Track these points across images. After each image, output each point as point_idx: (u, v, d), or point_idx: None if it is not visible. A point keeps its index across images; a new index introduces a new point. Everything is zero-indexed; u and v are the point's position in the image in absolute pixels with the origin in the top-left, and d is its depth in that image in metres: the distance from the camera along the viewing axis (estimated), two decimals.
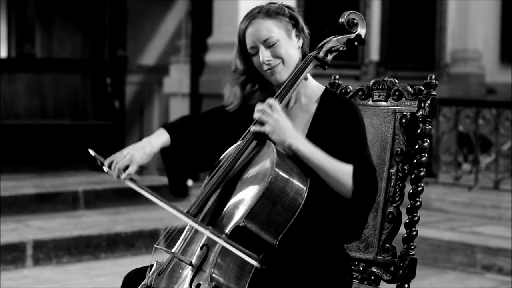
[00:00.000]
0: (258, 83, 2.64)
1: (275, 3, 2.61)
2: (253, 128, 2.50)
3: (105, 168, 2.62)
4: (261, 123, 2.49)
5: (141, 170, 8.95)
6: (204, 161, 2.70)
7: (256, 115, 2.49)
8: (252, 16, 2.57)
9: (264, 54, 2.55)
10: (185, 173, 2.73)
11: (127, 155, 2.59)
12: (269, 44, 2.55)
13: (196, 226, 2.41)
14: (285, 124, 2.46)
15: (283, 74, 2.57)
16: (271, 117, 2.46)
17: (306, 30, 2.62)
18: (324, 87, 2.65)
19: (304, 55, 2.63)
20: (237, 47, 2.61)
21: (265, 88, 2.65)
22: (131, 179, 2.57)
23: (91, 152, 2.63)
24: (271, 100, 2.50)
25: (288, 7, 2.62)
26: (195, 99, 8.36)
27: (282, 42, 2.55)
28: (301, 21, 2.61)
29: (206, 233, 2.38)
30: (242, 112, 2.65)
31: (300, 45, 2.61)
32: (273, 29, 2.55)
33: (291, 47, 2.57)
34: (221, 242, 2.35)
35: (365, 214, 2.49)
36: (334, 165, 2.45)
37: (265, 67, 2.57)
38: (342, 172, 2.45)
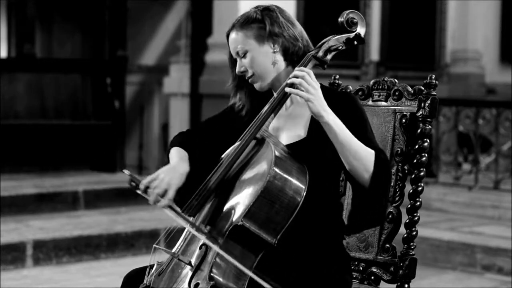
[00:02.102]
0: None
1: (257, 7, 2.62)
2: (290, 89, 2.47)
3: (140, 191, 2.51)
4: (293, 86, 2.47)
5: (141, 170, 8.95)
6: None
7: (296, 80, 2.46)
8: (230, 28, 2.64)
9: (238, 65, 2.63)
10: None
11: (164, 179, 2.51)
12: (241, 55, 2.61)
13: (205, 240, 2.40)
14: (321, 95, 2.46)
15: (261, 83, 2.61)
16: (311, 85, 2.45)
17: (286, 29, 2.59)
18: (318, 84, 2.65)
19: (286, 51, 2.60)
20: (228, 49, 2.68)
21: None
22: (170, 207, 2.48)
23: (126, 172, 2.51)
24: (306, 69, 2.49)
25: (266, 10, 2.61)
26: (195, 99, 8.36)
27: (252, 51, 2.59)
28: (273, 25, 2.58)
29: (214, 247, 2.38)
30: (239, 114, 2.68)
31: (278, 48, 2.59)
32: (242, 40, 2.59)
33: (262, 56, 2.59)
34: (217, 249, 2.36)
35: (385, 196, 2.53)
36: (357, 144, 2.45)
37: (242, 75, 2.62)
38: (365, 151, 2.45)
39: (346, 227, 2.65)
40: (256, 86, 2.63)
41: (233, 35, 2.62)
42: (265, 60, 2.59)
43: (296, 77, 2.47)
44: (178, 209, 2.51)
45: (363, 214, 2.54)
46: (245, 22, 2.60)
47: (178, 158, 2.62)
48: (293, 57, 2.62)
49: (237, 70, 2.62)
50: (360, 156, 2.44)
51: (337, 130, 2.44)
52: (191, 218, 2.52)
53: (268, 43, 2.59)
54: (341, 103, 2.55)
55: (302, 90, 2.45)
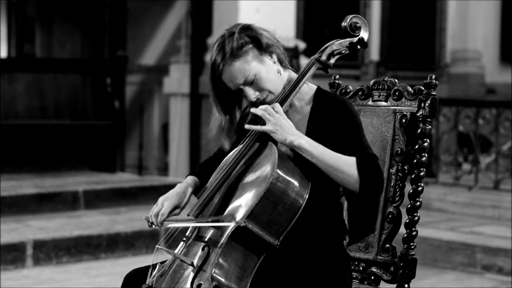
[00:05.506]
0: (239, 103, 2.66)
1: (233, 32, 2.57)
2: (255, 127, 2.51)
3: (153, 226, 2.63)
4: (263, 123, 2.49)
5: (141, 170, 8.95)
6: None
7: (258, 112, 2.49)
8: (221, 61, 2.54)
9: (250, 93, 2.56)
10: None
11: (159, 201, 2.63)
12: (249, 82, 2.55)
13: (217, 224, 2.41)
14: (286, 122, 2.47)
15: (273, 97, 2.59)
16: (272, 116, 2.47)
17: (272, 39, 2.59)
18: (316, 87, 2.66)
19: (281, 62, 2.61)
20: (212, 88, 2.59)
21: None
22: (168, 219, 2.60)
23: (144, 218, 2.65)
24: (274, 103, 2.51)
25: (245, 30, 2.58)
26: (195, 99, 8.36)
27: (259, 73, 2.55)
28: (263, 38, 2.57)
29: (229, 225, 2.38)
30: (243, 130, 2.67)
31: (276, 59, 2.60)
32: (245, 68, 2.54)
33: (269, 71, 2.57)
34: (234, 225, 2.37)
35: (376, 203, 2.50)
36: (337, 158, 2.46)
37: (257, 102, 2.58)
38: (346, 163, 2.46)
39: (349, 236, 2.65)
40: (270, 103, 2.58)
41: (230, 67, 2.53)
42: (273, 75, 2.58)
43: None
44: (175, 218, 2.58)
45: (362, 221, 2.54)
46: (237, 50, 2.53)
47: (181, 183, 2.69)
48: (283, 61, 2.62)
49: (251, 97, 2.55)
50: (342, 169, 2.46)
51: (311, 150, 2.46)
52: (193, 219, 2.52)
53: (266, 57, 2.57)
54: (332, 108, 2.56)
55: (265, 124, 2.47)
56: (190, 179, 2.72)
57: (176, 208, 2.63)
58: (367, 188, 2.46)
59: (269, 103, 2.57)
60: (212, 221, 2.44)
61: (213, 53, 2.57)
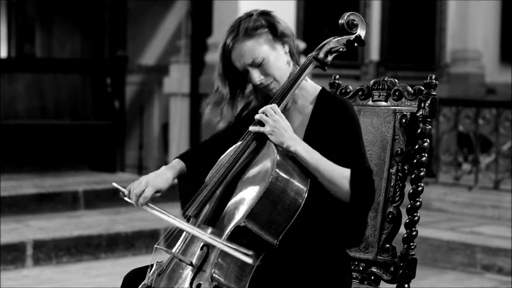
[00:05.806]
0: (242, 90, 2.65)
1: (251, 14, 2.59)
2: (252, 128, 2.51)
3: (126, 198, 2.61)
4: (261, 124, 2.49)
5: (141, 170, 8.95)
6: None
7: (257, 116, 2.50)
8: (233, 38, 2.55)
9: (255, 76, 2.56)
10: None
11: (143, 181, 2.60)
12: (256, 65, 2.56)
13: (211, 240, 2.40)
14: (285, 125, 2.47)
15: (277, 87, 2.59)
16: (271, 118, 2.47)
17: (288, 30, 2.61)
18: (320, 88, 2.65)
19: (292, 55, 2.62)
20: (220, 65, 2.60)
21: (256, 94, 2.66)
22: (149, 205, 2.57)
23: (114, 184, 2.62)
24: (272, 104, 2.51)
25: (264, 14, 2.60)
26: (195, 99, 8.36)
27: (268, 57, 2.55)
28: (279, 26, 2.59)
29: (218, 245, 2.38)
30: (242, 121, 2.66)
31: (287, 50, 2.61)
32: (256, 49, 2.55)
33: (278, 59, 2.58)
34: (221, 247, 2.36)
35: (364, 217, 2.50)
36: (331, 168, 2.46)
37: (260, 86, 2.58)
38: (339, 174, 2.45)
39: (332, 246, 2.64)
40: (272, 91, 2.59)
41: (241, 45, 2.55)
42: (282, 63, 2.59)
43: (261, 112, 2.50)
44: (157, 208, 2.56)
45: (347, 232, 2.54)
46: (251, 30, 2.55)
47: (167, 166, 2.67)
48: (294, 55, 2.63)
49: (256, 80, 2.56)
50: (335, 180, 2.46)
51: (307, 157, 2.46)
52: (184, 218, 2.53)
53: (279, 45, 2.58)
54: (334, 112, 2.55)
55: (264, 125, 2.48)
56: (177, 164, 2.69)
57: (158, 192, 2.61)
58: (356, 202, 2.46)
59: (271, 90, 2.58)
60: (192, 227, 2.44)
61: (228, 30, 2.59)
